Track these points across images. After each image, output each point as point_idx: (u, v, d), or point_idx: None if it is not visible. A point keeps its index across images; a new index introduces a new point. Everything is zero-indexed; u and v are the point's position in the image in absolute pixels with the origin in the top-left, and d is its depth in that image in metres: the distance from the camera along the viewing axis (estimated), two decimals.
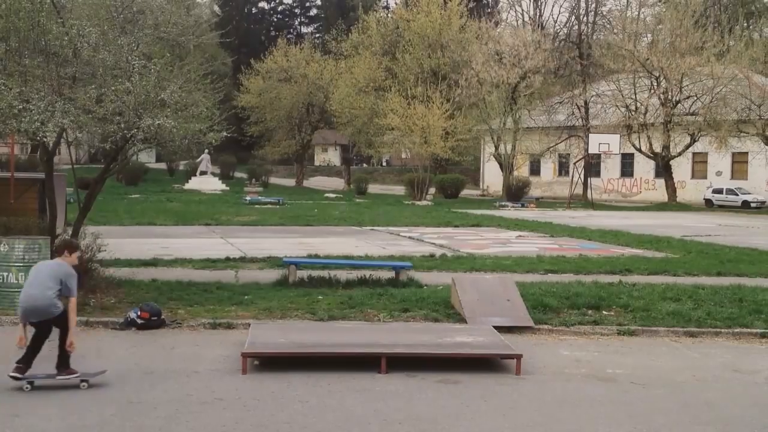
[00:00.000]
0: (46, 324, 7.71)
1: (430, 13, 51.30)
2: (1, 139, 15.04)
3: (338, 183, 66.39)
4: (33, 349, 7.71)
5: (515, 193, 47.39)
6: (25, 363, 7.65)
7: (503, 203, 43.74)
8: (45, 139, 11.32)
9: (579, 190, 49.34)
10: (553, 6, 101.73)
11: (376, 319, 10.83)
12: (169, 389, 7.68)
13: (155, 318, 10.26)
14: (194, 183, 53.28)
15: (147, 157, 65.44)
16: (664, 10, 49.27)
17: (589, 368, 8.88)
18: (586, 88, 50.56)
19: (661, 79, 45.01)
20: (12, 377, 7.58)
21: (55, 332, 7.79)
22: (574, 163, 48.53)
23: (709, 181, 49.87)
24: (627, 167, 55.44)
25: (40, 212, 14.75)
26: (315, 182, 68.90)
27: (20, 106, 10.18)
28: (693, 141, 45.84)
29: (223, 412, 7.02)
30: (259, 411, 7.09)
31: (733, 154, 48.51)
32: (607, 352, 9.70)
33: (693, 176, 51.52)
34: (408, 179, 48.55)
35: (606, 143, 44.69)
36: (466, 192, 54.40)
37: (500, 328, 10.05)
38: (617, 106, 47.09)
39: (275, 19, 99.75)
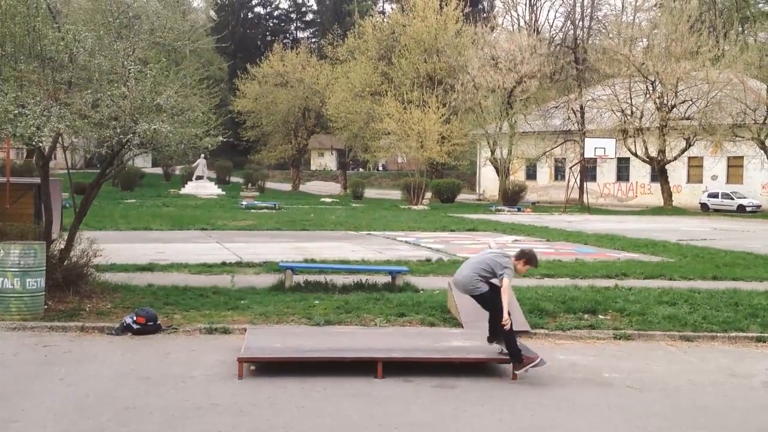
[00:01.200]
0: (477, 299, 8.74)
1: (426, 18, 51.35)
2: None
3: (334, 187, 66.44)
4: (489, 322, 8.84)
5: (511, 197, 47.45)
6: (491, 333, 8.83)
7: (499, 208, 43.78)
8: (41, 144, 11.32)
9: (575, 195, 49.43)
10: (548, 11, 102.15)
11: (373, 324, 10.81)
12: (165, 394, 7.66)
13: (151, 323, 10.24)
14: (190, 188, 53.31)
15: (143, 162, 65.49)
16: (659, 14, 49.42)
17: (585, 372, 8.88)
18: (582, 93, 50.70)
19: (657, 83, 45.16)
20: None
21: None
22: (570, 168, 48.63)
23: (705, 185, 50.01)
24: (623, 171, 55.57)
25: (36, 217, 14.72)
26: (311, 187, 68.96)
27: (16, 111, 10.17)
28: (688, 145, 45.96)
29: (220, 417, 7.00)
30: (255, 416, 7.08)
31: (729, 158, 48.71)
32: (603, 356, 9.70)
33: (689, 180, 51.66)
34: (404, 184, 48.58)
35: (602, 148, 44.81)
36: (462, 196, 54.46)
37: None
38: (613, 110, 47.22)
39: (271, 24, 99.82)
